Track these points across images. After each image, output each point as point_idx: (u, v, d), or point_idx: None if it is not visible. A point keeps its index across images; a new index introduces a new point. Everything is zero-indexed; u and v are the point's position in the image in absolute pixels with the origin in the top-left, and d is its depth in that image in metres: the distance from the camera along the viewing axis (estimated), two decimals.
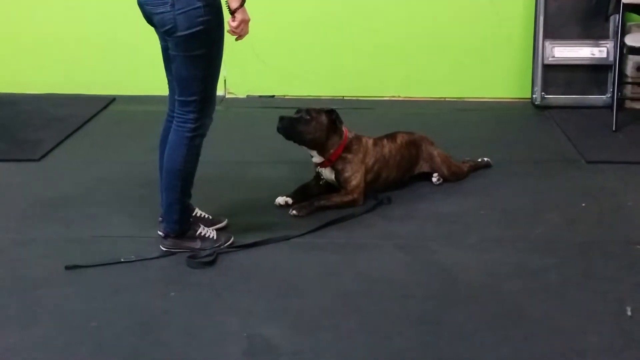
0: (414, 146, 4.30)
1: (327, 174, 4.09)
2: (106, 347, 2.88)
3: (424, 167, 4.32)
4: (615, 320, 3.04)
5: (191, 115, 3.38)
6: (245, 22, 3.33)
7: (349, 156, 4.04)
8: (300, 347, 2.88)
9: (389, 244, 3.66)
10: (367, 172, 4.08)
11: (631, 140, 5.03)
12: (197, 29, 3.23)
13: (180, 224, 3.52)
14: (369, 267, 3.47)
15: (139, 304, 3.17)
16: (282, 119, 3.97)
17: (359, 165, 4.06)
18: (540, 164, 4.68)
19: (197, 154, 3.47)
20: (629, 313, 3.07)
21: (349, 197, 4.03)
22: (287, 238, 3.68)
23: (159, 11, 3.27)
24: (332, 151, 4.03)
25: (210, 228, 3.64)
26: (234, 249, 3.58)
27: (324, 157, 4.04)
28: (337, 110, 4.04)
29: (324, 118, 3.98)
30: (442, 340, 2.92)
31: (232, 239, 3.62)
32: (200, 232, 3.57)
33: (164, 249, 3.55)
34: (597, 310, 3.11)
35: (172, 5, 3.22)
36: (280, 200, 4.06)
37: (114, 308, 3.14)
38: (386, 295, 3.23)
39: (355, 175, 4.04)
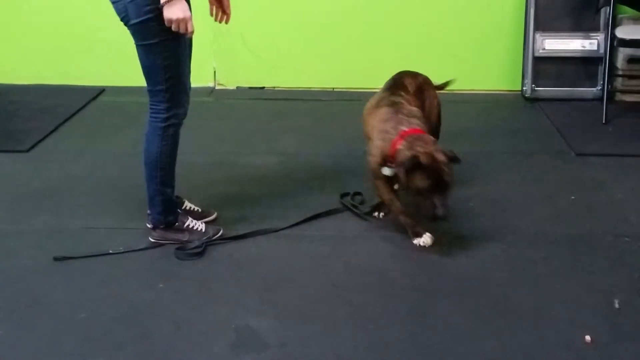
0: (420, 92, 3.97)
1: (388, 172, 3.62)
2: (94, 338, 2.88)
3: None
4: (603, 312, 3.04)
5: (162, 106, 3.34)
6: (176, 21, 3.12)
7: None
8: (288, 338, 2.88)
9: (377, 235, 3.66)
10: None
11: (621, 133, 5.04)
12: (147, 17, 3.16)
13: (165, 216, 3.51)
14: (357, 258, 3.47)
15: (127, 295, 3.16)
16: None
17: None
18: (529, 156, 4.68)
19: (174, 144, 3.42)
20: (617, 305, 3.08)
21: None
22: (276, 230, 3.67)
23: (113, 1, 3.25)
24: None
25: (200, 221, 3.63)
26: (222, 241, 3.57)
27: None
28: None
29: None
30: (430, 332, 2.92)
31: (220, 231, 3.61)
32: (188, 225, 3.56)
33: (152, 240, 3.55)
34: (585, 303, 3.11)
35: None
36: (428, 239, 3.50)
37: (102, 299, 3.13)
38: (375, 287, 3.24)
39: None
